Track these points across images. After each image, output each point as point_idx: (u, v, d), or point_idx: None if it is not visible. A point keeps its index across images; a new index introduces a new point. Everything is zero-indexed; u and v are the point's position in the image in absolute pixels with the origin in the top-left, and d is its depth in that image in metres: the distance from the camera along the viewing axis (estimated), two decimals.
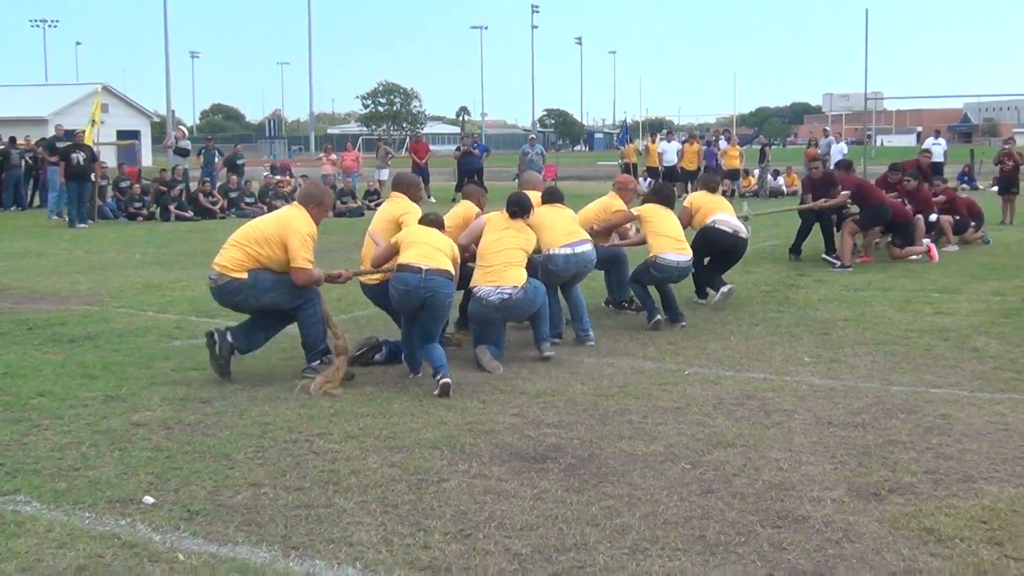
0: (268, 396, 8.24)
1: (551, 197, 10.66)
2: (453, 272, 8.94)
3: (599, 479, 6.24)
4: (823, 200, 15.69)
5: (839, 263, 15.26)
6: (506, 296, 9.24)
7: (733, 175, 33.70)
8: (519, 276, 9.38)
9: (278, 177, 31.65)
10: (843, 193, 15.45)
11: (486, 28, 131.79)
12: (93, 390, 8.37)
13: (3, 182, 30.37)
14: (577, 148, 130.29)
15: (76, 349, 10.00)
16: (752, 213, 15.02)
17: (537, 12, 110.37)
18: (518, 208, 9.83)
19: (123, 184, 28.59)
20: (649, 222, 11.25)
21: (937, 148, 36.08)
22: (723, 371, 9.05)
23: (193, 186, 29.50)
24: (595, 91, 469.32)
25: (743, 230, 12.38)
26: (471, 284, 9.53)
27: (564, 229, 10.32)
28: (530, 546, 5.23)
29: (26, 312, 12.08)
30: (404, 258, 8.82)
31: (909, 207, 16.45)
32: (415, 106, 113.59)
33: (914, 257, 16.00)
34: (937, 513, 5.62)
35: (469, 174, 33.60)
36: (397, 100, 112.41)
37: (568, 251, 10.21)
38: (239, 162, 31.92)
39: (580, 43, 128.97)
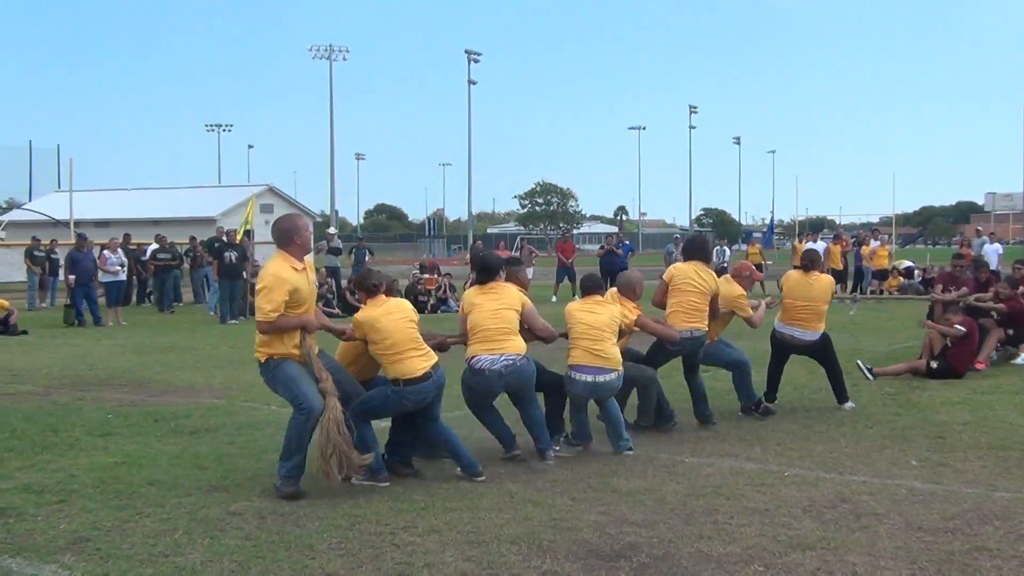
0: (364, 489, 8.45)
1: (590, 288, 10.22)
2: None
3: None
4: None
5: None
6: (510, 363, 9.20)
7: (882, 275, 33.15)
8: (519, 345, 9.36)
9: (425, 276, 32.24)
10: (959, 328, 14.55)
11: (644, 129, 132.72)
12: (200, 480, 8.70)
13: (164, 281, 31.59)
14: (735, 247, 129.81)
15: (194, 441, 10.39)
16: (857, 309, 14.44)
17: (695, 113, 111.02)
18: (484, 274, 9.61)
19: None
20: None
21: None
22: (824, 473, 8.93)
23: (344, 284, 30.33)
24: (753, 190, 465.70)
25: (807, 334, 12.08)
26: (467, 356, 9.39)
27: (591, 344, 9.75)
28: None
29: (156, 404, 12.60)
30: (412, 368, 8.68)
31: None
32: (571, 206, 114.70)
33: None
34: None
35: (612, 274, 33.73)
36: (554, 200, 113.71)
37: (589, 379, 9.73)
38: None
39: (738, 143, 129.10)
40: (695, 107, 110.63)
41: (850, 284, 34.13)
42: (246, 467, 9.17)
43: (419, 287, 30.22)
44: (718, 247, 39.83)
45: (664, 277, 11.20)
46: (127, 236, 31.68)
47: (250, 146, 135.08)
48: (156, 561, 6.64)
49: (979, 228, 41.78)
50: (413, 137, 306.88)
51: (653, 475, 8.91)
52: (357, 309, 9.75)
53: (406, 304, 9.05)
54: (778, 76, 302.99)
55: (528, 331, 9.64)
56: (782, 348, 12.32)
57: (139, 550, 6.87)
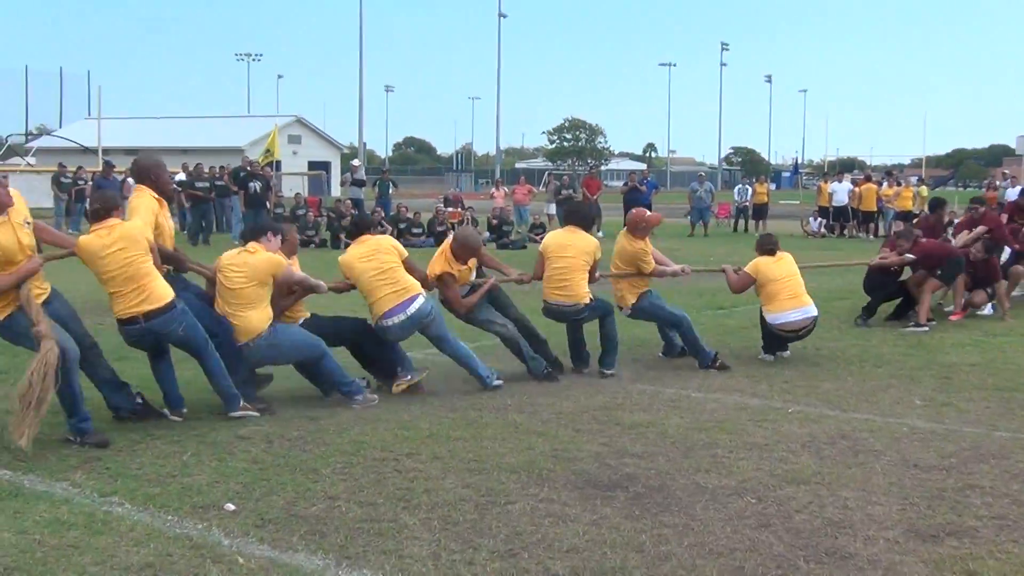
0: (372, 416, 8.59)
1: (357, 229, 9.94)
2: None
3: (661, 508, 6.36)
4: (881, 257, 14.22)
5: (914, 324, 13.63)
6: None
7: (906, 217, 32.97)
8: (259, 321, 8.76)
9: (449, 209, 32.30)
10: (907, 256, 13.72)
11: (674, 65, 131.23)
12: (211, 404, 8.81)
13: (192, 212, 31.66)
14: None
15: None
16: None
17: (727, 50, 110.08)
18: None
19: (299, 212, 29.75)
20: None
21: None
22: (828, 410, 9.02)
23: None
24: (784, 129, 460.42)
25: (810, 316, 11.34)
26: None
27: (391, 285, 9.46)
28: (569, 568, 5.41)
29: None
30: (117, 310, 8.28)
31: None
32: (600, 142, 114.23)
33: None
34: (987, 557, 5.58)
35: None
36: (583, 136, 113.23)
37: (401, 316, 9.43)
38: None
39: (770, 81, 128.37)
40: (727, 44, 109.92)
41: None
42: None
43: (440, 219, 30.19)
44: (740, 186, 39.74)
45: (540, 249, 10.92)
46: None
47: (280, 76, 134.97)
48: (164, 481, 6.82)
49: (1005, 171, 41.45)
50: (443, 70, 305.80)
51: (658, 409, 9.02)
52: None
53: (133, 235, 8.13)
54: (810, 14, 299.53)
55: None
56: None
57: (148, 470, 7.06)
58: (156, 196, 8.70)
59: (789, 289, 11.32)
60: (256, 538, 5.81)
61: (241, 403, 8.50)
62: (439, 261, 10.17)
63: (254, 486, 6.73)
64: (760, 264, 11.51)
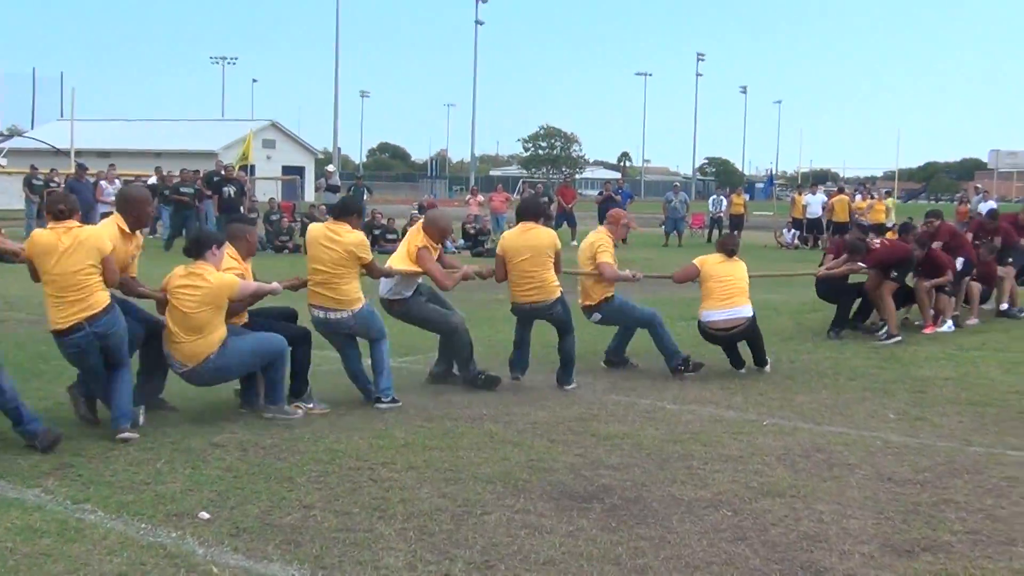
0: (347, 425, 8.57)
1: (340, 212, 9.73)
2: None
3: (637, 521, 6.36)
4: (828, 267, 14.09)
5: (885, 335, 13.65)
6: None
7: (878, 229, 33.13)
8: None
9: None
10: (858, 264, 13.63)
11: (650, 75, 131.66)
12: (185, 411, 8.81)
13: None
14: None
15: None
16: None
17: (703, 60, 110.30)
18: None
19: (273, 217, 29.64)
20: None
21: None
22: (802, 423, 9.05)
23: None
24: (758, 140, 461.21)
25: (740, 316, 11.25)
26: None
27: (323, 287, 9.43)
28: None
29: None
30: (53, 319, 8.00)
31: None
32: (575, 150, 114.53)
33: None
34: (962, 572, 5.61)
35: None
36: (558, 144, 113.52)
37: (320, 315, 9.48)
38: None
39: (745, 92, 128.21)
40: (702, 55, 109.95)
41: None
42: (232, 400, 9.26)
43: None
44: (714, 196, 39.85)
45: (497, 252, 10.71)
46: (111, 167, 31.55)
47: (254, 80, 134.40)
48: (137, 488, 6.77)
49: (977, 186, 41.80)
50: (418, 76, 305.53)
51: (633, 420, 9.03)
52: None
53: (91, 241, 7.98)
54: (786, 26, 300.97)
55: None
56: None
57: (121, 477, 7.01)
58: (124, 227, 8.49)
59: (726, 290, 11.30)
60: (231, 547, 5.78)
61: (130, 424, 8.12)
62: (415, 237, 10.08)
63: (228, 494, 6.69)
64: (708, 258, 11.58)
